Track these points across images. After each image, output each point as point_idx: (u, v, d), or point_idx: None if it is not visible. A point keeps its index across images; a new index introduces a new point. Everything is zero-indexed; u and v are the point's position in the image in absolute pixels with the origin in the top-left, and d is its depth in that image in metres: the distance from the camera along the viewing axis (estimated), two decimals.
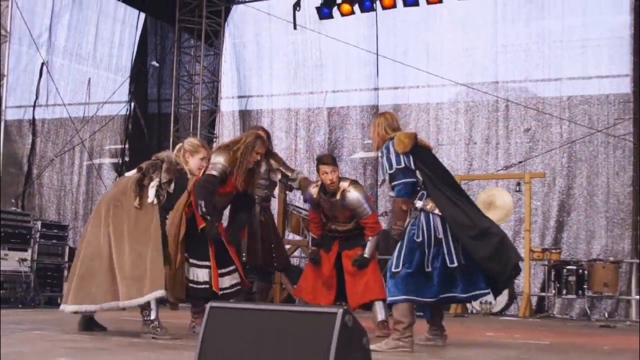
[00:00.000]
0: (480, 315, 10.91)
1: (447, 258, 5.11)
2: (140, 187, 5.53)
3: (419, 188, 5.15)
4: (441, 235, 5.10)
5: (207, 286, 6.01)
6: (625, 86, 12.56)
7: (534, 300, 11.74)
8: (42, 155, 14.44)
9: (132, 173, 5.78)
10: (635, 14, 12.28)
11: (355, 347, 2.47)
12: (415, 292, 5.03)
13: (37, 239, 10.67)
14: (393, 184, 5.10)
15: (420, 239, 5.07)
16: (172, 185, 5.54)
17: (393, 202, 5.30)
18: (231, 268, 6.17)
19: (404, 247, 5.09)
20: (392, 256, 5.17)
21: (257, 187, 6.53)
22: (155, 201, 5.49)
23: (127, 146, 14.62)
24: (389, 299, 5.13)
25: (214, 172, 5.98)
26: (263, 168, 7.00)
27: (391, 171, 5.09)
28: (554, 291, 11.13)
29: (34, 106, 14.12)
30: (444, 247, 5.11)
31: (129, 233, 5.44)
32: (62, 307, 5.64)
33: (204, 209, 5.85)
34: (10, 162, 13.68)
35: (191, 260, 6.10)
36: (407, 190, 5.10)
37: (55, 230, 11.18)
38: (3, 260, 9.90)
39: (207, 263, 6.03)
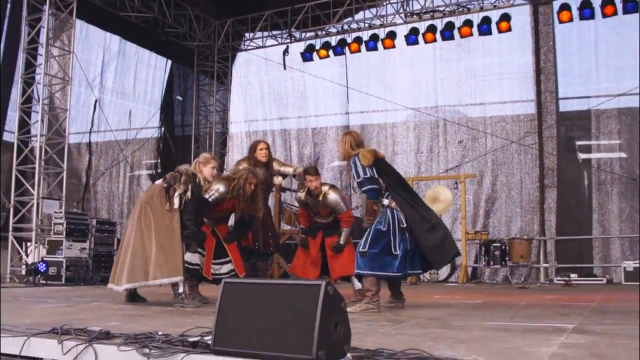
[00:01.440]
0: (430, 283, 10.93)
1: (407, 243, 5.11)
2: (166, 194, 5.49)
3: (383, 191, 5.16)
4: (405, 225, 5.10)
5: (198, 268, 5.80)
6: (531, 108, 12.72)
7: (470, 270, 11.79)
8: (96, 169, 14.36)
9: (159, 182, 5.72)
10: (536, 55, 12.51)
11: (335, 310, 2.46)
12: (379, 269, 5.02)
13: (93, 233, 10.62)
14: (362, 189, 5.13)
15: (386, 228, 5.06)
16: (189, 194, 5.46)
17: (366, 202, 5.31)
18: (225, 259, 5.97)
19: (371, 233, 5.09)
20: (361, 239, 5.17)
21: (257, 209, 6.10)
22: (179, 207, 5.43)
23: (159, 161, 14.57)
24: (357, 271, 5.12)
25: (209, 199, 5.71)
26: (263, 175, 6.93)
27: (359, 179, 5.11)
28: (484, 262, 11.19)
29: (90, 132, 14.02)
30: (407, 234, 5.11)
31: (155, 229, 5.38)
32: (113, 286, 5.53)
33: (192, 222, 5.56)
34: (73, 175, 13.57)
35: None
36: (374, 195, 5.13)
37: (107, 226, 11.11)
38: (68, 249, 9.88)
39: (200, 250, 5.76)
